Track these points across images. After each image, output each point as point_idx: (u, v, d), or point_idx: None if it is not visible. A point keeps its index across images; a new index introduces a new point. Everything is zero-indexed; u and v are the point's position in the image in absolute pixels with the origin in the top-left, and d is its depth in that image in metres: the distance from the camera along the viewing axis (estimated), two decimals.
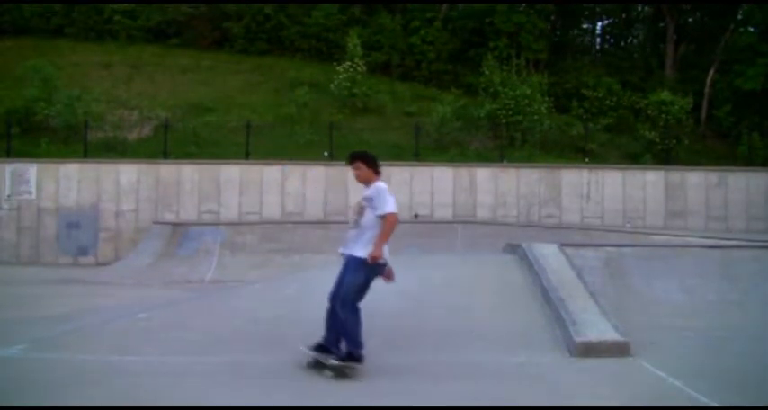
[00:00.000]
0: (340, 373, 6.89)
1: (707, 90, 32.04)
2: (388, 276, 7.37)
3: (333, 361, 6.97)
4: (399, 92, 31.70)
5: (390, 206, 7.13)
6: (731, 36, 32.95)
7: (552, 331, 8.47)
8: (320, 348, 7.17)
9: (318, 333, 7.13)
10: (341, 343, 7.08)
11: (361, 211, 7.28)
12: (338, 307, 7.06)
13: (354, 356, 6.93)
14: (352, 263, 7.11)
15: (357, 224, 7.26)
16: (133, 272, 18.74)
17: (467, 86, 31.72)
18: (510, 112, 27.04)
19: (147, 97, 29.50)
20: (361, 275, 7.08)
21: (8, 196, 22.79)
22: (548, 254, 10.59)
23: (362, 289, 7.14)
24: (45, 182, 22.95)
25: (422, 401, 6.16)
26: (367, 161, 7.48)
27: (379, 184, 7.31)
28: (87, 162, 23.57)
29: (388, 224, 7.09)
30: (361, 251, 7.06)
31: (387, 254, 7.15)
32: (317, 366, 7.12)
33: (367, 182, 7.41)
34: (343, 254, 7.34)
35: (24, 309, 11.93)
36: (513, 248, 11.72)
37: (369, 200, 7.25)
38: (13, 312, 11.52)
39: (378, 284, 7.26)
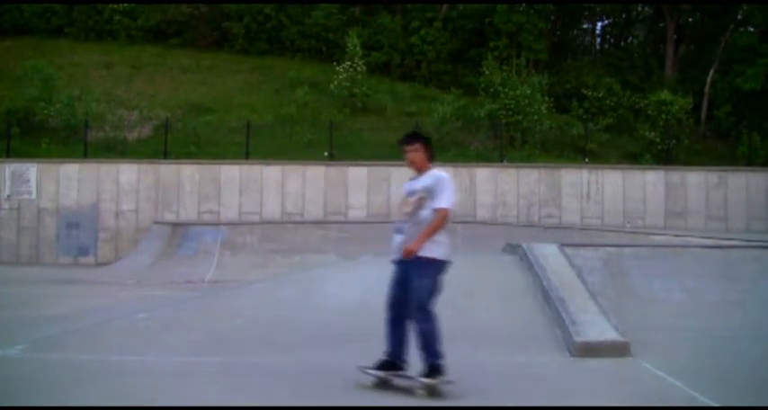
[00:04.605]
0: (433, 392, 6.18)
1: (707, 90, 32.04)
2: None
3: (423, 381, 6.18)
4: (399, 92, 31.70)
5: (447, 200, 6.38)
6: (731, 36, 32.94)
7: (552, 331, 8.48)
8: (387, 365, 6.46)
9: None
10: (405, 353, 6.45)
11: (420, 204, 6.43)
12: (413, 317, 6.29)
13: (438, 368, 6.18)
14: (418, 265, 6.30)
15: (416, 219, 6.42)
16: (133, 272, 18.75)
17: (467, 86, 31.72)
18: (510, 112, 27.03)
19: (147, 97, 29.52)
20: (429, 277, 6.33)
21: (8, 196, 22.78)
22: (548, 254, 10.60)
23: (434, 292, 6.37)
24: (45, 182, 22.94)
25: (422, 401, 6.15)
26: (427, 144, 6.76)
27: (442, 173, 6.58)
28: (87, 162, 23.57)
29: (439, 219, 6.33)
30: (426, 250, 6.29)
31: (446, 250, 6.43)
32: (383, 385, 6.42)
33: (421, 168, 6.66)
34: (397, 259, 6.51)
35: (24, 309, 11.93)
36: (513, 248, 11.74)
37: (429, 190, 6.44)
38: (14, 312, 11.52)
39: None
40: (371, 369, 6.45)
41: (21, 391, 6.35)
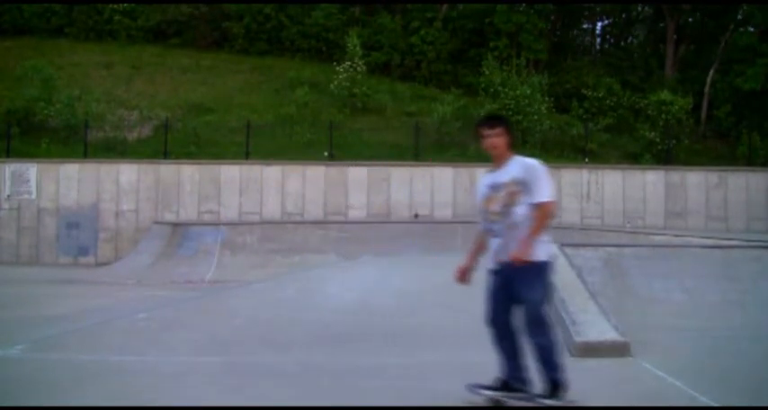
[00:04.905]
0: None
1: (707, 90, 32.03)
2: None
3: (545, 402, 5.55)
4: (399, 92, 31.70)
5: (547, 191, 5.62)
6: (731, 36, 32.94)
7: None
8: (501, 385, 5.77)
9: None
10: (520, 371, 5.74)
11: (513, 199, 5.61)
12: (527, 331, 5.61)
13: (560, 383, 5.55)
14: (525, 272, 5.53)
15: (509, 219, 5.63)
16: (133, 272, 18.75)
17: (467, 86, 31.72)
18: (510, 112, 27.00)
19: (147, 97, 29.52)
20: (539, 284, 5.61)
21: (8, 196, 22.78)
22: None
23: (546, 300, 5.73)
24: (45, 182, 22.94)
25: (422, 401, 6.15)
26: (510, 128, 5.91)
27: (531, 160, 5.77)
28: (87, 162, 23.57)
29: (543, 215, 5.58)
30: (533, 253, 5.53)
31: (551, 250, 5.77)
32: (495, 407, 5.77)
33: (503, 156, 5.81)
34: (495, 267, 5.80)
35: (24, 309, 11.93)
36: None
37: (521, 182, 5.62)
38: (14, 312, 11.52)
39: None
40: (483, 388, 5.78)
41: (21, 391, 6.35)
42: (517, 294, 5.60)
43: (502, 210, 5.63)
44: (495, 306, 5.82)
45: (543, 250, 5.62)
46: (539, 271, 5.59)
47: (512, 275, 5.59)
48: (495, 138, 5.77)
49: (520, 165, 5.71)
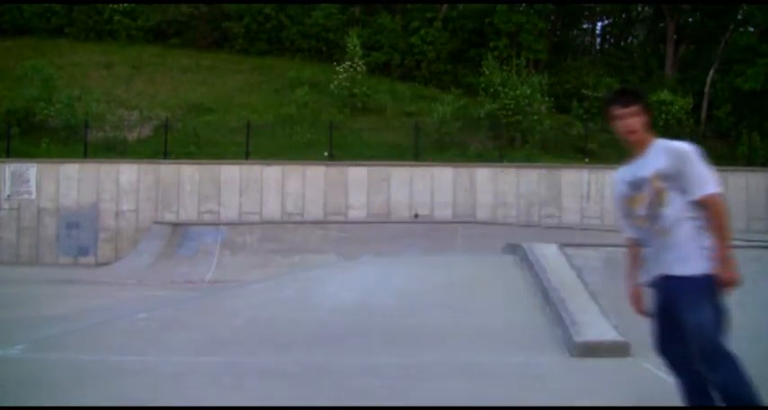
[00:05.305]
0: None
1: (707, 90, 32.05)
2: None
3: None
4: (399, 92, 31.72)
5: (711, 180, 4.42)
6: (731, 36, 32.96)
7: (552, 331, 8.46)
8: None
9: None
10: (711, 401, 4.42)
11: (660, 198, 4.38)
12: (699, 366, 4.34)
13: None
14: (689, 289, 4.31)
15: (658, 222, 4.41)
16: (133, 272, 18.76)
17: (467, 86, 31.74)
18: (510, 112, 27.03)
19: (147, 97, 29.54)
20: (708, 304, 4.28)
21: (8, 196, 22.79)
22: (548, 254, 10.58)
23: (722, 320, 4.34)
24: (45, 182, 22.95)
25: (421, 401, 6.15)
26: (648, 104, 4.59)
27: (680, 145, 4.50)
28: (87, 162, 23.59)
29: (717, 213, 4.36)
30: (695, 264, 4.32)
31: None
32: None
33: (642, 142, 4.52)
34: (653, 281, 4.56)
35: (24, 309, 11.95)
36: (513, 248, 11.72)
37: (669, 175, 4.37)
38: (13, 312, 11.53)
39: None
40: None
41: (21, 391, 6.35)
42: (680, 317, 4.35)
43: (648, 214, 4.43)
44: (660, 331, 4.58)
45: (706, 259, 4.33)
46: (703, 286, 4.29)
47: (671, 294, 4.41)
48: (631, 119, 4.45)
49: (665, 152, 4.42)
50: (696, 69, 34.20)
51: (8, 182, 22.85)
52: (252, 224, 21.71)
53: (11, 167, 22.99)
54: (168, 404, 5.95)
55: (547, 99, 28.65)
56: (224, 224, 21.54)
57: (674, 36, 35.45)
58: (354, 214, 22.94)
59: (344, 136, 26.43)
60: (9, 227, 22.80)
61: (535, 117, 27.49)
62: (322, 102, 29.64)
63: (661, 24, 38.11)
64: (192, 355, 7.73)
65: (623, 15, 41.40)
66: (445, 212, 23.16)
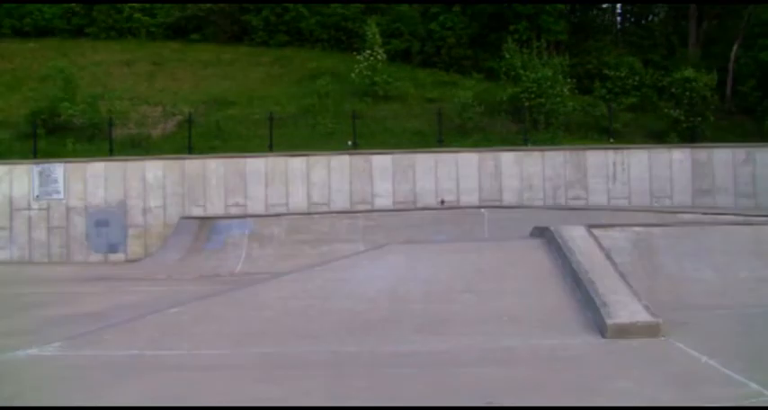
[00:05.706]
0: None
1: (731, 65, 31.63)
2: None
3: None
4: (420, 78, 31.61)
5: None
6: (754, 10, 32.50)
7: (583, 313, 8.45)
8: None
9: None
10: None
11: None
12: None
13: None
14: None
15: None
16: (163, 268, 18.92)
17: (488, 71, 31.55)
18: (532, 95, 26.85)
19: (170, 93, 29.66)
20: None
21: (37, 196, 23.02)
22: (576, 236, 10.55)
23: None
24: (72, 181, 23.14)
25: (455, 386, 6.16)
26: None
27: None
28: (113, 160, 23.75)
29: None
30: None
31: None
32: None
33: None
34: None
35: (59, 307, 12.10)
36: (540, 231, 11.69)
37: None
38: (49, 310, 11.69)
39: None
40: None
41: (61, 388, 6.44)
42: None
43: None
44: None
45: None
46: None
47: None
48: None
49: None
50: (719, 45, 33.74)
51: (36, 183, 23.08)
52: (279, 215, 21.77)
53: (38, 168, 23.21)
54: (202, 396, 6.02)
55: (569, 80, 28.41)
56: (251, 216, 21.62)
57: (696, 12, 34.99)
58: (380, 202, 22.94)
59: (367, 124, 26.40)
60: (39, 226, 23.04)
61: (558, 99, 27.28)
62: (343, 91, 29.61)
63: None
64: (224, 348, 7.80)
65: None
66: (471, 198, 23.09)
